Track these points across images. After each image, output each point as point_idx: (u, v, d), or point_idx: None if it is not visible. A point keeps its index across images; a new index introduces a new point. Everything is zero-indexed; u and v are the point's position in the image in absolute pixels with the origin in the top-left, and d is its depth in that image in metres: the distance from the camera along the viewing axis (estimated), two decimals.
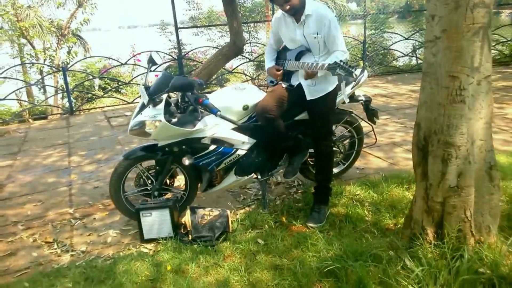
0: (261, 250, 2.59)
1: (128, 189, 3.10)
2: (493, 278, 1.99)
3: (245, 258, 2.54)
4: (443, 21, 2.03)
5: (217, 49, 7.26)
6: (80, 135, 5.96)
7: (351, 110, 3.39)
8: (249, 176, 3.11)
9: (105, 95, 8.10)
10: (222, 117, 2.83)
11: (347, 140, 3.50)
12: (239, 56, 7.40)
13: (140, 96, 2.96)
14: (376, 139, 3.58)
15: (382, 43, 9.16)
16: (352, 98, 3.26)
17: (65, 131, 6.23)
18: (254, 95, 2.97)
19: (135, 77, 8.27)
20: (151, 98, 2.70)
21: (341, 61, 2.44)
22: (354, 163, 3.65)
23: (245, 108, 2.91)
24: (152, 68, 3.02)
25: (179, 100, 2.87)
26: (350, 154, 3.56)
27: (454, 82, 2.05)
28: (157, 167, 3.01)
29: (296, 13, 2.70)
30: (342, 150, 3.49)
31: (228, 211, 2.96)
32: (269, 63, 3.05)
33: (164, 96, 2.71)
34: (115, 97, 8.19)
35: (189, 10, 10.28)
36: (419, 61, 9.12)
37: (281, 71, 2.92)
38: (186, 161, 2.81)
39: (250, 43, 8.83)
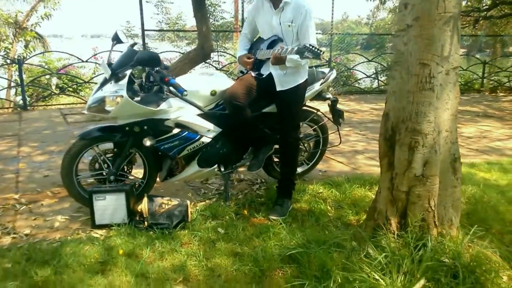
0: (221, 239, 2.47)
1: (82, 174, 2.89)
2: (454, 267, 1.98)
3: (204, 245, 2.40)
4: (416, 9, 2.08)
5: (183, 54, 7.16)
6: (32, 128, 5.58)
7: (317, 109, 3.39)
8: (212, 167, 2.99)
9: (62, 94, 7.70)
10: (188, 101, 2.73)
11: (312, 139, 3.48)
12: (205, 64, 7.33)
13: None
14: (340, 139, 3.59)
15: (346, 64, 9.46)
16: (320, 95, 3.26)
17: (16, 124, 5.82)
18: (222, 82, 2.90)
19: (96, 76, 7.94)
20: (113, 72, 2.55)
21: (310, 44, 2.44)
22: (318, 164, 3.63)
23: (213, 93, 2.82)
24: (116, 48, 2.87)
25: (143, 80, 2.74)
26: (315, 154, 3.54)
27: (424, 69, 2.08)
28: (115, 150, 2.82)
29: None
30: (307, 149, 3.46)
31: (188, 201, 2.82)
32: (241, 51, 3.00)
33: (128, 72, 2.58)
34: (73, 96, 7.80)
35: (157, 14, 10.18)
36: (381, 84, 9.47)
37: (252, 59, 2.88)
38: (148, 142, 2.66)
39: (218, 51, 8.81)
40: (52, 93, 7.70)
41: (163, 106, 2.65)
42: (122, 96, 2.51)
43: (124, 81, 2.54)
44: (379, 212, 2.34)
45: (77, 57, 7.41)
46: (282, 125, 2.93)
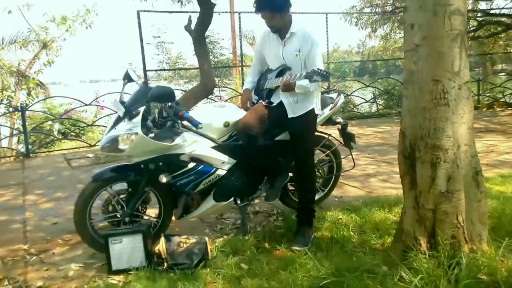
0: (246, 275, 2.37)
1: (95, 217, 2.82)
2: (493, 283, 1.92)
3: (229, 283, 2.31)
4: (423, 29, 2.12)
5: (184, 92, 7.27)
6: (36, 175, 5.53)
7: (329, 133, 3.39)
8: (228, 201, 2.95)
9: (64, 139, 7.71)
10: (202, 134, 2.72)
11: (326, 164, 3.46)
12: (207, 99, 7.42)
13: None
14: (354, 163, 3.57)
15: (344, 90, 9.61)
16: (330, 120, 3.27)
17: (20, 173, 5.77)
18: (234, 113, 2.91)
19: (98, 119, 8.00)
20: (127, 110, 2.55)
21: (318, 68, 2.47)
22: (333, 189, 3.59)
23: (226, 125, 2.82)
24: (127, 88, 2.90)
25: (157, 116, 2.74)
26: (329, 179, 3.50)
27: (438, 86, 2.10)
28: (129, 189, 2.78)
29: (280, 30, 2.75)
30: (321, 175, 3.43)
31: (206, 238, 2.75)
32: (248, 83, 3.04)
33: (142, 109, 2.58)
34: (76, 140, 7.81)
35: (158, 54, 10.41)
36: (380, 108, 9.58)
37: (251, 100, 2.92)
38: (164, 179, 2.63)
39: (219, 87, 8.96)
40: (55, 139, 7.71)
41: (178, 140, 2.64)
42: (137, 134, 2.51)
43: (138, 118, 2.54)
44: (406, 233, 2.29)
45: (80, 101, 7.49)
46: (296, 152, 2.91)
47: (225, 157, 2.84)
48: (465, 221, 2.17)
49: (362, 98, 9.62)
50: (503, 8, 10.47)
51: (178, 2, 7.79)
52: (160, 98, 2.57)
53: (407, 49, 2.23)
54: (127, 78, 2.80)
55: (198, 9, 6.06)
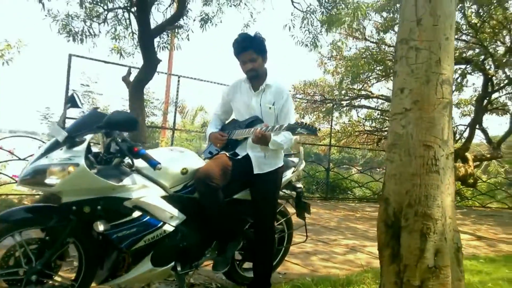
0: None
1: None
2: None
3: None
4: (414, 93, 2.08)
5: None
6: None
7: (288, 197, 3.11)
8: (168, 266, 2.42)
9: None
10: (153, 180, 2.28)
11: (277, 234, 3.12)
12: None
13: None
14: (307, 235, 3.29)
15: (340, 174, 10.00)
16: (289, 185, 3.03)
17: None
18: (194, 160, 2.53)
19: None
20: (70, 135, 2.03)
21: (301, 121, 2.29)
22: (281, 263, 3.22)
23: (184, 172, 2.41)
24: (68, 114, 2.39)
25: (102, 152, 2.23)
26: (278, 252, 3.14)
27: (429, 151, 2.02)
28: (47, 238, 2.12)
29: (256, 79, 2.58)
30: None
31: None
32: (212, 129, 2.73)
33: (88, 137, 2.08)
34: None
35: (83, 104, 9.49)
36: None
37: (225, 137, 2.62)
38: (100, 227, 2.06)
39: (146, 144, 8.37)
40: None
41: (127, 181, 2.14)
42: (77, 165, 1.97)
43: (82, 147, 2.03)
44: None
45: None
46: (258, 214, 2.57)
47: (175, 211, 2.38)
48: None
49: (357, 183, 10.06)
50: None
51: (118, 53, 7.51)
52: (119, 125, 2.09)
53: (396, 112, 2.16)
54: (71, 103, 2.31)
55: (136, 63, 5.84)
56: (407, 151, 2.08)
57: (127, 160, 2.18)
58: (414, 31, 2.12)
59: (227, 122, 2.87)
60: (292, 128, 2.26)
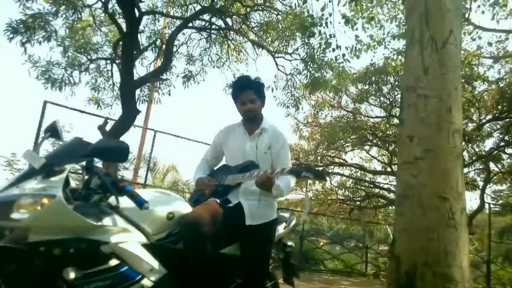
0: None
1: None
2: None
3: None
4: (425, 142, 1.98)
5: None
6: None
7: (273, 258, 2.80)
8: None
9: None
10: (135, 224, 1.97)
11: None
12: None
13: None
14: None
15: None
16: (280, 242, 2.75)
17: None
18: (181, 205, 2.24)
19: None
20: (48, 163, 1.74)
21: (305, 164, 2.10)
22: None
23: (170, 217, 2.11)
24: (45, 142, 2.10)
25: (81, 187, 1.93)
26: None
27: (445, 203, 1.86)
28: (2, 286, 1.72)
29: (252, 122, 2.43)
30: None
31: None
32: (199, 174, 2.49)
33: (68, 167, 1.79)
34: None
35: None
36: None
37: (215, 183, 2.38)
38: (71, 275, 1.69)
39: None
40: None
41: (107, 222, 1.82)
42: (53, 197, 1.66)
43: (61, 177, 1.72)
44: None
45: None
46: (247, 272, 2.26)
47: (155, 263, 2.04)
48: None
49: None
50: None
51: (95, 104, 7.30)
52: (109, 153, 1.82)
53: (405, 161, 2.04)
54: (51, 132, 2.03)
55: (114, 115, 5.73)
56: (420, 202, 1.92)
57: (110, 199, 1.89)
58: (421, 79, 2.07)
59: (215, 168, 2.65)
60: (296, 172, 2.06)
